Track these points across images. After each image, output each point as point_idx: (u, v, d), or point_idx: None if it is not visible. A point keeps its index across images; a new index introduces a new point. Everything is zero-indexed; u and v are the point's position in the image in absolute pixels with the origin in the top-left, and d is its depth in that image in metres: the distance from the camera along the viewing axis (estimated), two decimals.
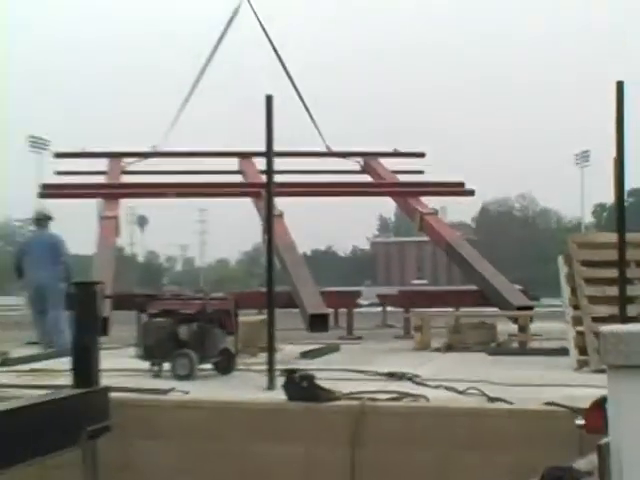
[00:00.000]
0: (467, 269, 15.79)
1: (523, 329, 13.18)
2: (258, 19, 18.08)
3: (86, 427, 6.90)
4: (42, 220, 14.32)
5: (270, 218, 9.67)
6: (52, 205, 16.31)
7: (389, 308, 18.57)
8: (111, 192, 17.90)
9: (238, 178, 19.04)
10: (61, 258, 13.67)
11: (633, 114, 9.40)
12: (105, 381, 7.53)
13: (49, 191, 18.88)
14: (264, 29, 18.15)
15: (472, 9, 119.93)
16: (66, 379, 7.61)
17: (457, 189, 18.51)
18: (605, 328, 2.73)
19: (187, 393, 8.19)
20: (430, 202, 17.92)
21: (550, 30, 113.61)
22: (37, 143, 52.07)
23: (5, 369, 10.51)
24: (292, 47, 18.56)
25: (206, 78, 18.70)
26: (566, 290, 10.16)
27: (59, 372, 8.93)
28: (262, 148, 9.48)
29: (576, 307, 9.96)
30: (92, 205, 17.35)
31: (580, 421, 4.36)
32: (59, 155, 20.56)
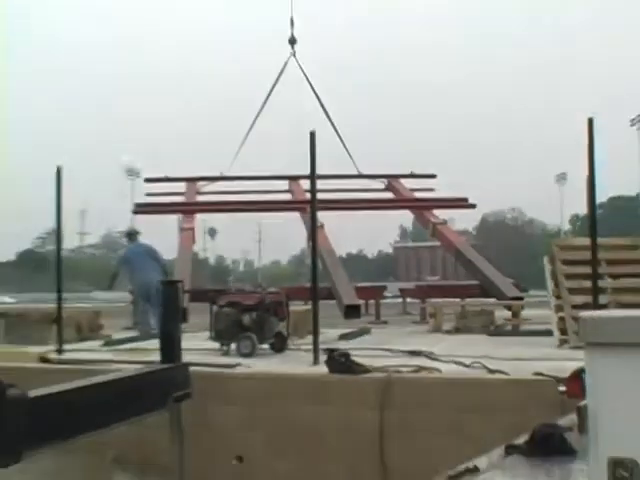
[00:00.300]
0: (470, 267, 15.73)
1: (515, 315, 13.12)
2: (303, 71, 18.16)
3: (172, 394, 6.97)
4: (133, 234, 14.49)
5: (314, 228, 9.70)
6: (143, 220, 16.50)
7: (408, 299, 18.53)
8: (188, 209, 18.05)
9: (287, 196, 19.09)
10: (160, 262, 13.80)
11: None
12: (185, 358, 7.60)
13: (141, 209, 19.12)
14: (308, 79, 18.22)
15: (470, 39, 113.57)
16: (155, 356, 7.69)
17: (462, 203, 18.45)
18: (583, 313, 2.73)
19: (249, 367, 8.25)
20: (440, 214, 17.88)
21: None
22: (131, 172, 52.93)
23: (108, 348, 10.64)
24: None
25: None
26: (550, 283, 10.11)
27: (149, 351, 9.01)
28: (305, 171, 9.54)
29: (558, 297, 9.90)
30: (173, 219, 17.45)
31: (562, 388, 4.33)
32: (148, 180, 20.74)
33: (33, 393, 4.79)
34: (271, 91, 18.50)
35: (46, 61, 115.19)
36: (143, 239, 14.36)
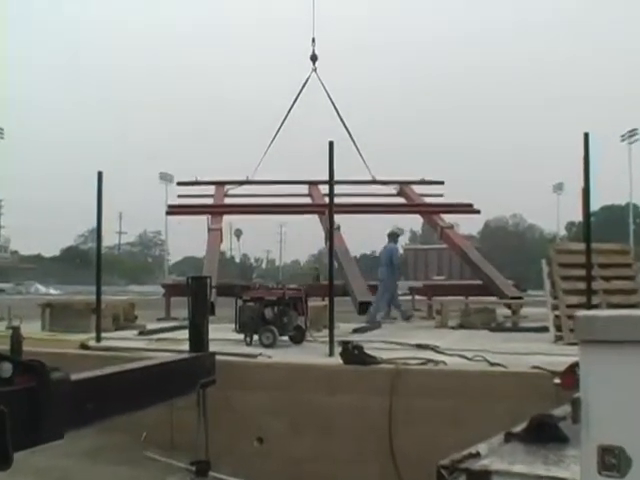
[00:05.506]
0: (474, 268, 15.66)
1: (515, 313, 13.05)
2: (324, 86, 18.15)
3: (199, 380, 7.00)
4: (390, 236, 15.53)
5: (331, 230, 9.72)
6: (175, 220, 16.50)
7: (417, 297, 18.46)
8: (216, 210, 18.04)
9: (307, 200, 19.07)
10: (393, 264, 14.77)
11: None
12: (212, 347, 7.62)
13: (173, 210, 19.19)
14: (328, 94, 18.21)
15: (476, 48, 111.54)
16: (185, 345, 7.72)
17: (467, 209, 18.34)
18: (578, 313, 2.72)
19: (270, 357, 8.26)
20: (447, 218, 17.82)
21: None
22: (165, 177, 52.60)
23: (143, 337, 10.69)
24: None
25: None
26: (547, 284, 10.08)
27: (180, 340, 9.04)
28: (324, 177, 9.55)
29: (554, 297, 9.88)
30: (204, 220, 17.40)
31: (557, 381, 4.31)
32: (180, 183, 20.74)
33: (75, 376, 4.83)
34: (293, 105, 18.48)
35: (82, 68, 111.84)
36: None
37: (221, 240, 17.56)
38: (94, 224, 10.91)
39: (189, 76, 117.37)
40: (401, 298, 19.26)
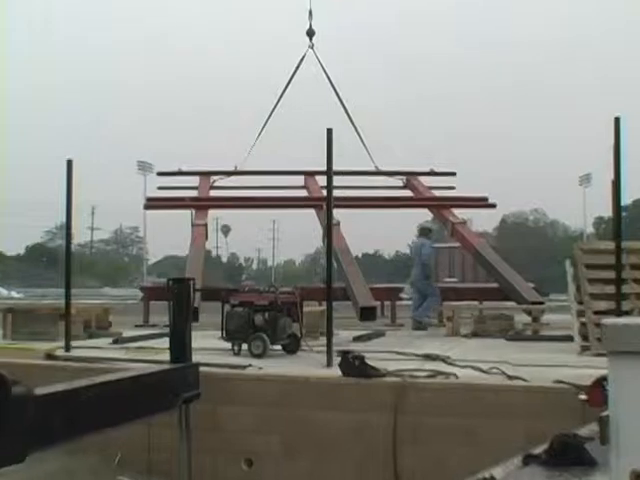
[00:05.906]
0: (490, 270, 15.63)
1: (535, 319, 13.04)
2: (321, 64, 18.12)
3: (181, 394, 6.98)
4: (421, 231, 16.05)
5: (329, 226, 9.68)
6: (155, 215, 16.46)
7: None
8: (201, 204, 17.97)
9: (303, 192, 19.01)
10: (423, 260, 15.12)
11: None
12: (196, 357, 7.60)
13: (152, 203, 19.12)
14: (326, 72, 18.18)
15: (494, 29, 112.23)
16: (165, 355, 7.69)
17: (482, 203, 18.30)
18: (607, 320, 2.71)
19: (261, 369, 8.24)
20: (459, 213, 17.77)
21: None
22: (144, 166, 52.38)
23: (117, 346, 10.66)
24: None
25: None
26: (572, 288, 10.05)
27: (159, 350, 9.01)
28: (322, 167, 9.50)
29: (580, 302, 9.85)
30: (187, 215, 17.36)
31: (583, 396, 4.30)
32: (161, 174, 20.65)
33: (39, 391, 4.80)
34: (288, 84, 18.41)
35: (59, 52, 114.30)
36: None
37: (206, 237, 17.50)
38: (63, 219, 10.87)
39: (174, 55, 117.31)
40: (407, 302, 19.36)
